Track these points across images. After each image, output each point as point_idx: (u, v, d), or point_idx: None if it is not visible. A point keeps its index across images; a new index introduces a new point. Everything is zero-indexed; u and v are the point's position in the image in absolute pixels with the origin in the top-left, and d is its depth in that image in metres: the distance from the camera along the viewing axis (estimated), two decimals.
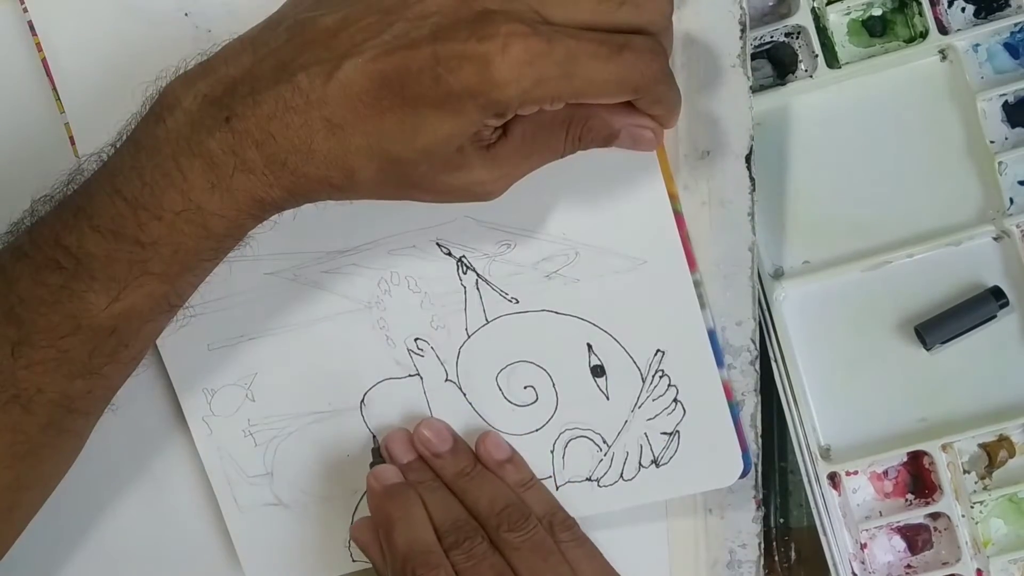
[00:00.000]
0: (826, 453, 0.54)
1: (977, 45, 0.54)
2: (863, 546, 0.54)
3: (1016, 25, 0.54)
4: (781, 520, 0.56)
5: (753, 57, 0.54)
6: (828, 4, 0.55)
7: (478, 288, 0.50)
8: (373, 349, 0.51)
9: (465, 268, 0.50)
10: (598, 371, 0.50)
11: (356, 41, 0.41)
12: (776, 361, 0.54)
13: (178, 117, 0.41)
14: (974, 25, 0.54)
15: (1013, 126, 0.54)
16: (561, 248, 0.50)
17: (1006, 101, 0.54)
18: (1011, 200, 0.53)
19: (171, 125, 0.41)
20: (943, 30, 0.54)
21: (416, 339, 0.51)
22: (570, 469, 0.50)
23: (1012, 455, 0.54)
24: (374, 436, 0.51)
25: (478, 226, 0.50)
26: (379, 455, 0.51)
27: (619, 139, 0.45)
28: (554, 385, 0.50)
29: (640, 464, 0.50)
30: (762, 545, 0.52)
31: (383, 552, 0.47)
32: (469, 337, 0.50)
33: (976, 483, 0.54)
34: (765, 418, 0.52)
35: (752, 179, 0.50)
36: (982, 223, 0.54)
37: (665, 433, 0.50)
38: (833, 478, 0.54)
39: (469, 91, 0.40)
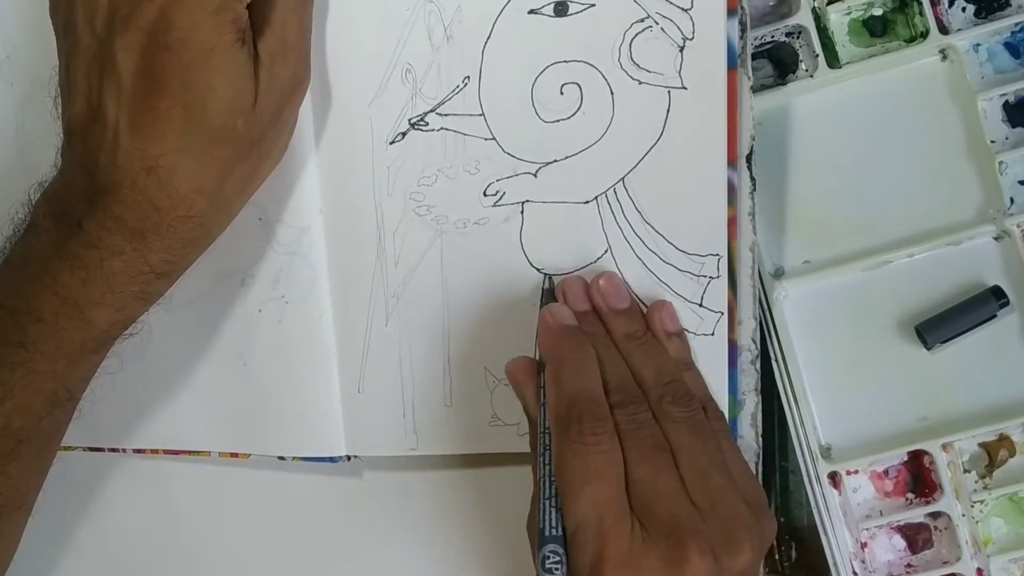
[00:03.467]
0: (826, 452, 0.54)
1: (978, 45, 0.54)
2: (863, 545, 0.54)
3: (1016, 25, 0.54)
4: (782, 519, 0.56)
5: (754, 57, 0.54)
6: (829, 4, 0.55)
7: (442, 116, 0.49)
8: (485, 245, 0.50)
9: (422, 124, 0.50)
10: (560, 8, 0.48)
11: (100, 93, 0.43)
12: (776, 360, 0.54)
13: (39, 235, 0.44)
14: (975, 25, 0.54)
15: (1014, 126, 0.54)
16: None
17: (1007, 101, 0.54)
18: (1012, 200, 0.53)
19: (34, 243, 0.44)
20: (944, 30, 0.54)
21: (484, 193, 0.50)
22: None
23: (1012, 454, 0.54)
24: (548, 276, 0.49)
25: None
26: (552, 295, 0.49)
27: None
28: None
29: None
30: None
31: (539, 391, 0.46)
32: (495, 138, 0.49)
33: (976, 482, 0.54)
34: (766, 417, 0.52)
35: (753, 179, 0.50)
36: (983, 223, 0.54)
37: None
38: (833, 477, 0.54)
39: (193, 24, 0.42)
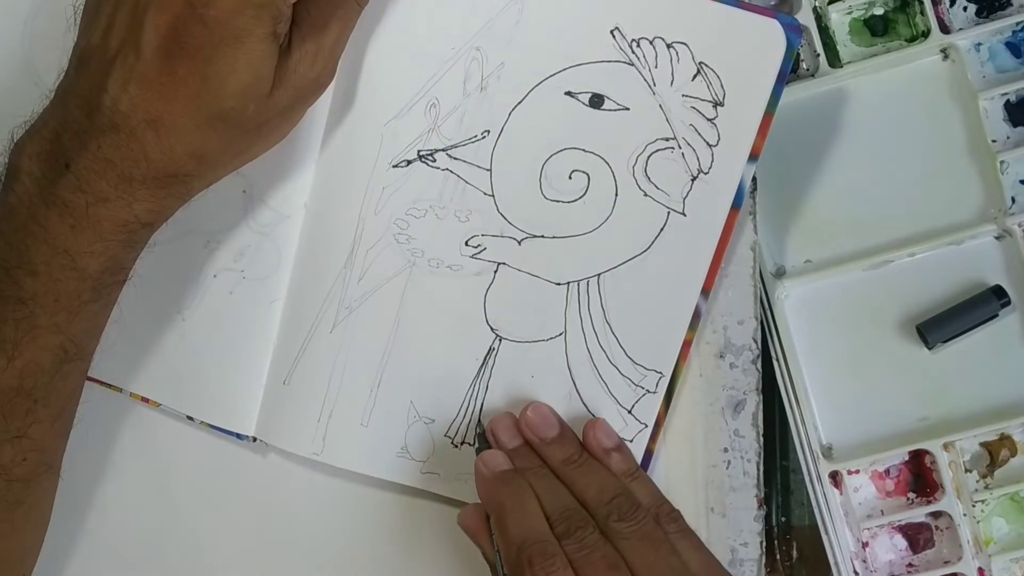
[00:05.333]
0: (828, 452, 0.54)
1: (979, 44, 0.54)
2: (865, 545, 0.54)
3: (1018, 24, 0.54)
4: (783, 519, 0.56)
5: None
6: (830, 3, 0.55)
7: (452, 158, 0.50)
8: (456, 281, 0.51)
9: (430, 159, 0.50)
10: (596, 101, 0.49)
11: (122, 39, 0.43)
12: (778, 360, 0.54)
13: (23, 181, 0.43)
14: (976, 24, 0.54)
15: (1015, 125, 0.54)
16: None
17: (1008, 100, 0.54)
18: (1013, 199, 0.53)
19: (19, 190, 0.43)
20: (945, 29, 0.54)
21: (466, 243, 0.50)
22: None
23: (1014, 454, 0.54)
24: (479, 421, 0.51)
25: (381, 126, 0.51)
26: (485, 440, 0.50)
27: None
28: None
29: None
30: (764, 544, 0.52)
31: (492, 539, 0.47)
32: (494, 196, 0.50)
33: (978, 482, 0.54)
34: (767, 417, 0.52)
35: (754, 179, 0.50)
36: (984, 222, 0.54)
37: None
38: (835, 477, 0.54)
39: (234, 10, 0.42)
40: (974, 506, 0.53)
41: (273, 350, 0.52)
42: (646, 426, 0.50)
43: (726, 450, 0.51)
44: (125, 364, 0.53)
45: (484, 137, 0.50)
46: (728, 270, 0.50)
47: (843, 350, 0.55)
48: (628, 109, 0.49)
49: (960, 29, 0.54)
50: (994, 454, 0.54)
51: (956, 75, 0.54)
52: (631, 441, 0.50)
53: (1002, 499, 0.54)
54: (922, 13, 0.54)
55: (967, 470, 0.54)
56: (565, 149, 0.50)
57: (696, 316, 0.49)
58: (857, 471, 0.54)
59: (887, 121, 0.55)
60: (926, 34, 0.54)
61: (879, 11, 0.56)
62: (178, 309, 0.52)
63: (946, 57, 0.55)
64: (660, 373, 0.50)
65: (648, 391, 0.50)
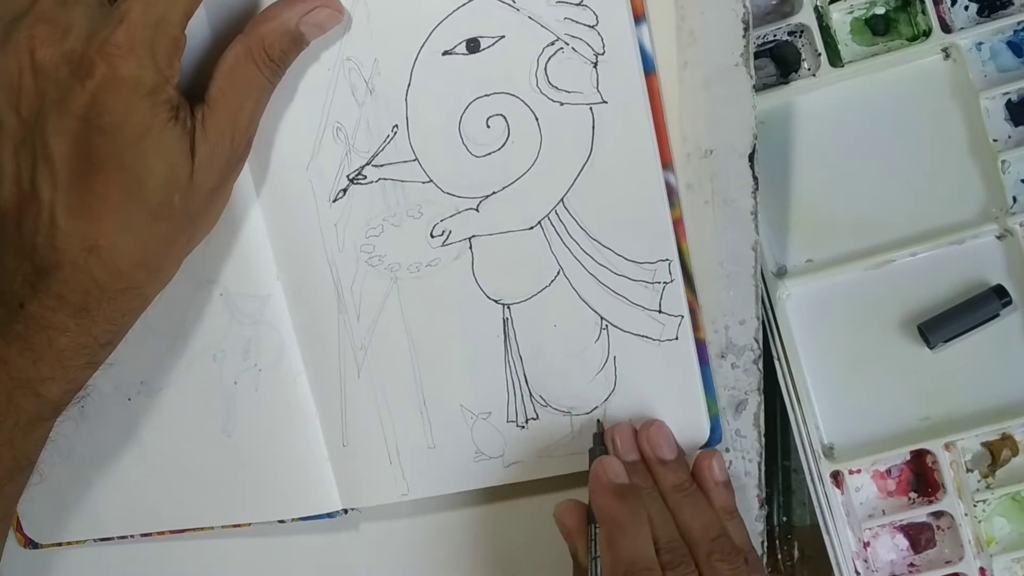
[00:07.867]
0: (829, 451, 0.54)
1: (980, 44, 0.54)
2: (866, 544, 0.54)
3: (1019, 24, 0.54)
4: (784, 518, 0.56)
5: (756, 56, 0.54)
6: (831, 3, 0.55)
7: (378, 166, 0.50)
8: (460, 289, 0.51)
9: (360, 178, 0.50)
10: (472, 45, 0.49)
11: (32, 177, 0.43)
12: (779, 360, 0.54)
13: None
14: (977, 24, 0.54)
15: (1016, 124, 0.54)
16: None
17: (1009, 100, 0.54)
18: (1014, 199, 0.53)
19: None
20: (946, 29, 0.54)
21: (431, 235, 0.50)
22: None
23: (1015, 454, 0.54)
24: (598, 421, 0.50)
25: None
26: (602, 442, 0.49)
27: (305, 33, 0.46)
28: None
29: None
30: (765, 543, 0.52)
31: (590, 543, 0.47)
32: (433, 180, 0.50)
33: (979, 482, 0.54)
34: (768, 416, 0.52)
35: (755, 178, 0.50)
36: (985, 221, 0.54)
37: None
38: (836, 476, 0.54)
39: (127, 109, 0.41)
40: (975, 506, 0.53)
41: (319, 421, 0.52)
42: (682, 317, 0.50)
43: (728, 450, 0.51)
44: (202, 503, 0.54)
45: (396, 133, 0.50)
46: (729, 269, 0.50)
47: (844, 350, 0.55)
48: (504, 36, 0.49)
49: (961, 28, 0.54)
50: (995, 454, 0.54)
51: (957, 74, 0.54)
52: (676, 339, 0.50)
53: (1003, 499, 0.54)
54: (923, 12, 0.54)
55: (968, 470, 0.54)
56: (470, 103, 0.49)
57: (671, 192, 0.49)
58: (858, 471, 0.54)
59: (888, 120, 0.55)
60: (927, 33, 0.54)
61: (880, 10, 0.55)
62: (220, 428, 0.53)
63: (947, 56, 0.55)
64: (666, 259, 0.49)
65: (665, 282, 0.50)
